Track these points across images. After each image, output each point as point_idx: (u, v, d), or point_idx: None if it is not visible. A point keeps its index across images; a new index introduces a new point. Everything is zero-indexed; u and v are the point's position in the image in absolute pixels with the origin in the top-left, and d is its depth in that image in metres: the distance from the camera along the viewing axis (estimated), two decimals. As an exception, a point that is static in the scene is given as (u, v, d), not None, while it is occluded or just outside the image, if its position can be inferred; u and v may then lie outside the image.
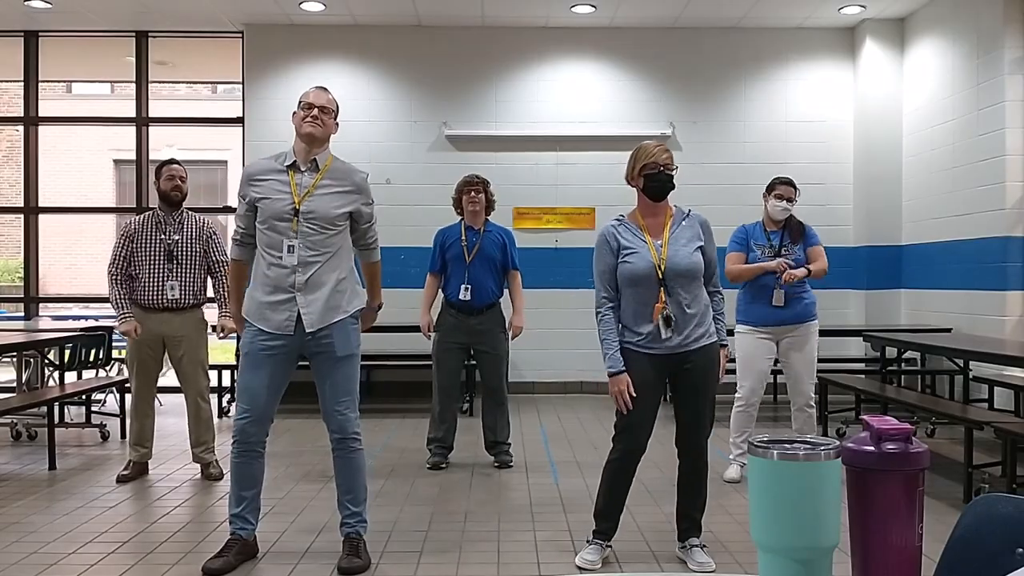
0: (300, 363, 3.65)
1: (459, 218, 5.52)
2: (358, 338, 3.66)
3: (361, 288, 3.75)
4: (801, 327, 4.97)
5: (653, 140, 3.72)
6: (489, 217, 5.52)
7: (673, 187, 3.59)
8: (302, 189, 3.52)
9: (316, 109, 3.54)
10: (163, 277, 5.00)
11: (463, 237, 5.42)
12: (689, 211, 3.66)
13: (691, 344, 3.51)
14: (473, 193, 5.40)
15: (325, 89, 3.66)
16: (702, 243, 3.58)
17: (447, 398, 5.47)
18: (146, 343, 5.05)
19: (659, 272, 3.48)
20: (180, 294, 5.01)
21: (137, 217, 5.15)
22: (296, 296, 3.48)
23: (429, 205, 8.19)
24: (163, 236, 5.03)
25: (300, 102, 3.59)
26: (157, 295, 5.00)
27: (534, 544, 3.92)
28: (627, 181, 3.64)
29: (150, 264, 5.01)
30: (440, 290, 5.52)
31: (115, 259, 5.03)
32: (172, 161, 5.25)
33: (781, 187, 4.99)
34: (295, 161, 3.55)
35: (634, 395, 3.48)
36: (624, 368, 3.49)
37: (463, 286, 5.34)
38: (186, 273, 5.04)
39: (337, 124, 3.66)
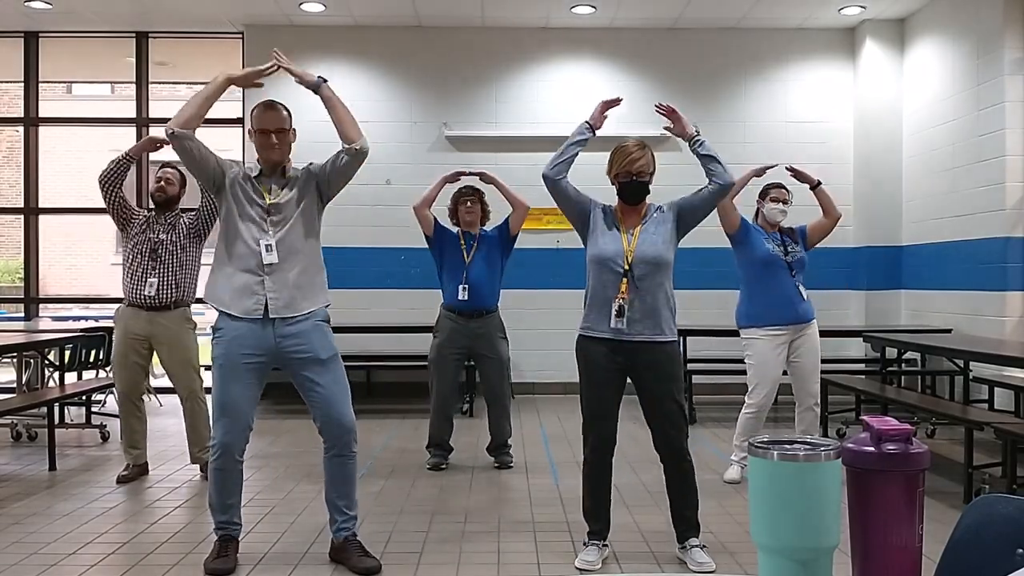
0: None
1: (456, 227, 5.54)
2: (334, 340, 3.64)
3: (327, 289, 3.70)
4: (810, 325, 5.01)
5: (632, 141, 3.78)
6: (484, 226, 5.54)
7: (647, 192, 3.71)
8: (272, 194, 3.56)
9: (272, 135, 3.56)
10: (145, 274, 5.02)
11: (461, 241, 5.43)
12: (661, 207, 3.74)
13: (647, 336, 3.56)
14: (469, 203, 5.42)
15: (272, 105, 3.64)
16: (670, 225, 3.66)
17: (444, 403, 5.46)
18: (132, 344, 5.06)
19: (626, 261, 3.58)
20: (156, 292, 5.01)
21: (141, 210, 5.23)
22: (264, 280, 3.46)
23: (429, 206, 8.17)
24: (151, 235, 5.05)
25: (253, 125, 3.59)
26: (140, 292, 5.03)
27: (534, 544, 3.92)
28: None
29: (136, 261, 5.04)
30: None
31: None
32: (164, 164, 5.30)
33: (776, 191, 5.05)
34: (261, 171, 3.59)
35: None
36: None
37: (461, 286, 5.33)
38: (167, 272, 5.05)
39: (295, 130, 3.66)
